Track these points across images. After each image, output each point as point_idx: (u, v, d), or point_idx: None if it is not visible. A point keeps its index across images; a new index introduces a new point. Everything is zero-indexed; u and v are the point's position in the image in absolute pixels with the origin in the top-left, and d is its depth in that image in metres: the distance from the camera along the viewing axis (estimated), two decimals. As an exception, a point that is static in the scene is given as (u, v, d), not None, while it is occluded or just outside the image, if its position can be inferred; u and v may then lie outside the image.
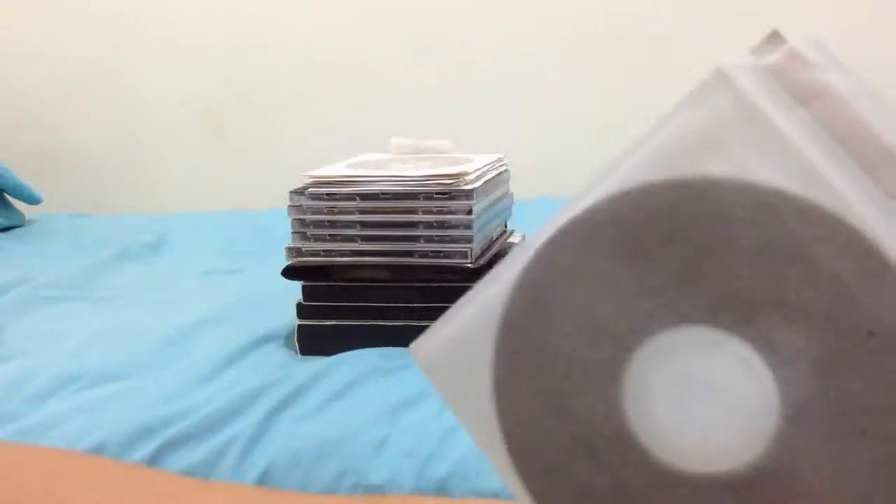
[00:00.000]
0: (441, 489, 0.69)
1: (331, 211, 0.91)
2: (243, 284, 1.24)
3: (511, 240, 1.08)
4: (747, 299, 0.34)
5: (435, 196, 0.89)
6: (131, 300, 1.20)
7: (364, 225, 0.91)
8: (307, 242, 0.92)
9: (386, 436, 0.74)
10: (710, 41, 1.83)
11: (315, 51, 1.96)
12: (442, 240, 0.90)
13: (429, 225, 0.90)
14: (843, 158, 0.33)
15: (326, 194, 0.91)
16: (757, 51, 0.36)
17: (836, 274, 0.33)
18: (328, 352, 0.90)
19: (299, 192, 0.92)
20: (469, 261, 0.90)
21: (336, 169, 0.95)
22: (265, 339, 0.96)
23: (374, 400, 0.79)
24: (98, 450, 0.75)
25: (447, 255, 0.90)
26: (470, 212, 0.89)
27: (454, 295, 0.95)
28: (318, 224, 0.92)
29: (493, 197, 0.99)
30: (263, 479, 0.72)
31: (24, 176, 1.74)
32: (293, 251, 0.93)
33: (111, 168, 2.08)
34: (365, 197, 0.90)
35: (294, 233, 0.93)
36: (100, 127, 2.06)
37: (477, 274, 0.90)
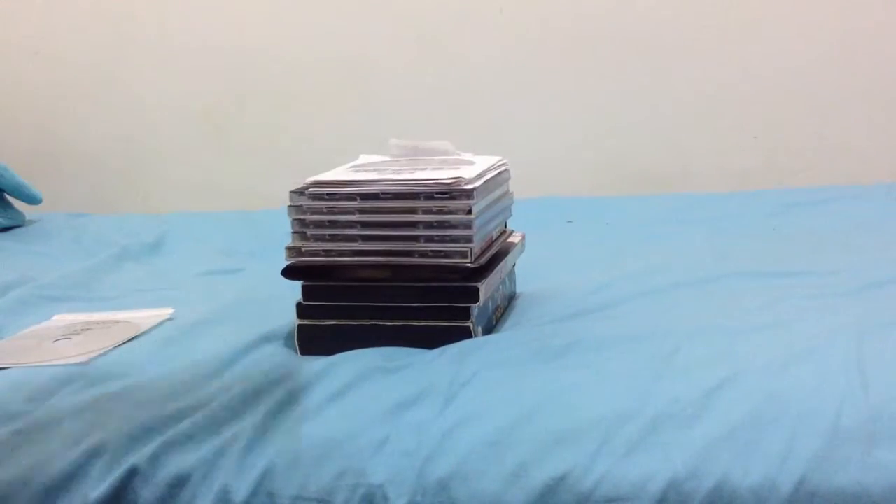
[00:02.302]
0: (441, 489, 0.69)
1: (331, 211, 0.91)
2: (243, 284, 1.24)
3: (511, 239, 1.08)
4: None
5: (435, 196, 0.89)
6: (131, 300, 1.20)
7: (364, 225, 0.91)
8: (307, 242, 0.92)
9: (386, 436, 0.74)
10: (709, 42, 1.83)
11: (315, 51, 1.96)
12: (442, 240, 0.90)
13: (429, 225, 0.90)
14: None
15: (326, 194, 0.91)
16: None
17: None
18: (328, 352, 0.90)
19: (299, 192, 0.92)
20: (469, 260, 0.90)
21: (337, 173, 0.95)
22: (265, 339, 0.96)
23: (374, 400, 0.78)
24: (98, 450, 0.75)
25: (447, 254, 0.90)
26: (470, 211, 0.89)
27: (454, 295, 0.95)
28: (318, 224, 0.92)
29: (493, 197, 0.99)
30: (263, 480, 0.72)
31: (24, 176, 1.73)
32: (293, 251, 0.93)
33: (111, 168, 2.07)
34: (365, 197, 0.90)
35: (294, 233, 0.93)
36: (100, 127, 2.06)
37: (477, 273, 0.90)
